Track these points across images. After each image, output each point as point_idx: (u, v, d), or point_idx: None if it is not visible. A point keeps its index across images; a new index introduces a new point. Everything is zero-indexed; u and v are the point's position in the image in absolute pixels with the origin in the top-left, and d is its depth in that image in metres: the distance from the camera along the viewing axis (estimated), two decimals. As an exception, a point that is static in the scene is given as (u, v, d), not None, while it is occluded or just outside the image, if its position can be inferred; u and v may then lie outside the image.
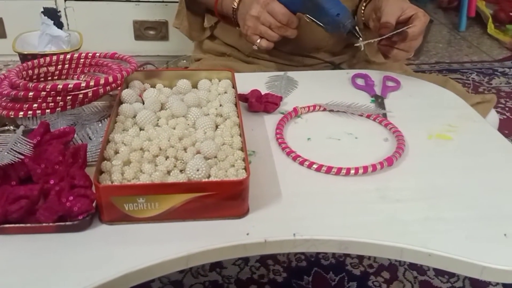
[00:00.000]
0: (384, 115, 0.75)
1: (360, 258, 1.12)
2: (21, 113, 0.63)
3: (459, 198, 0.58)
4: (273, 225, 0.53)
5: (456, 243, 0.51)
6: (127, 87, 0.70)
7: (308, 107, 0.75)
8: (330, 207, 0.56)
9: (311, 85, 0.84)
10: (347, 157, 0.64)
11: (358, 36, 0.76)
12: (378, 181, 0.61)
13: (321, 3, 0.76)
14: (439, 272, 1.10)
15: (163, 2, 1.85)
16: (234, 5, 0.86)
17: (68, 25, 1.81)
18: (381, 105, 0.78)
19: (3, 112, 0.63)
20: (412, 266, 1.11)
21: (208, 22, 0.99)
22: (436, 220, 0.55)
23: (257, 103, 0.74)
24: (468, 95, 0.91)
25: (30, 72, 0.74)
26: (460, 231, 0.53)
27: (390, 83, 0.86)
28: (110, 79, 0.66)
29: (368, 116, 0.74)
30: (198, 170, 0.53)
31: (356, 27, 0.76)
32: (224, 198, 0.51)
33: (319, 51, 0.97)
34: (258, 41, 0.81)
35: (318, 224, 0.53)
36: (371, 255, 0.53)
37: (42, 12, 1.38)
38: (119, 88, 0.69)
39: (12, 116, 0.63)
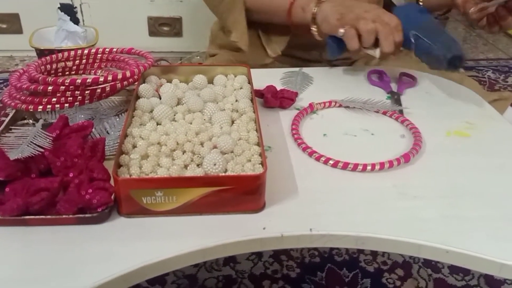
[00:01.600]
0: (401, 112, 0.74)
1: (374, 255, 1.12)
2: (40, 107, 0.64)
3: (477, 195, 0.58)
4: (290, 220, 0.53)
5: (474, 241, 0.51)
6: (144, 82, 0.71)
7: (324, 103, 0.75)
8: (347, 203, 0.56)
9: (326, 81, 0.84)
10: (363, 153, 0.64)
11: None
12: (395, 178, 0.60)
13: (434, 51, 0.72)
14: (454, 270, 1.09)
15: (177, -2, 1.86)
16: (314, 10, 0.80)
17: (83, 21, 1.82)
18: (398, 101, 0.78)
19: (23, 106, 0.64)
20: (427, 264, 1.10)
21: (272, 51, 0.93)
22: (454, 218, 0.54)
23: (273, 99, 0.74)
24: (485, 92, 0.90)
25: (48, 66, 0.75)
26: (478, 229, 0.53)
27: (406, 80, 0.85)
28: (128, 74, 0.67)
29: (384, 113, 0.74)
30: (215, 164, 0.53)
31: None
32: (241, 193, 0.51)
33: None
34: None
35: (334, 219, 0.53)
36: (388, 251, 0.53)
37: (58, 8, 1.39)
38: (136, 83, 0.69)
39: (31, 110, 0.64)
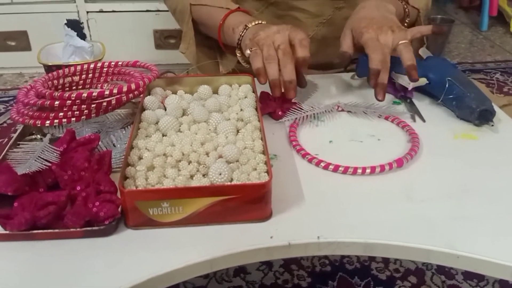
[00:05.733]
0: (413, 117, 0.74)
1: (386, 262, 1.11)
2: (48, 122, 0.64)
3: (486, 197, 0.57)
4: (297, 228, 0.52)
5: (485, 244, 0.50)
6: (149, 94, 0.71)
7: (326, 107, 0.75)
8: (354, 209, 0.55)
9: (331, 88, 0.84)
10: (370, 159, 0.63)
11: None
12: (402, 182, 0.60)
13: (467, 101, 0.71)
14: (468, 276, 1.07)
15: (182, 11, 1.88)
16: (249, 25, 0.77)
17: (90, 36, 1.85)
18: (413, 106, 0.77)
19: (30, 121, 0.65)
20: (440, 270, 1.09)
21: (224, 68, 0.91)
22: (464, 220, 0.54)
23: (280, 113, 0.73)
24: (494, 97, 0.90)
25: (55, 82, 0.75)
26: (488, 232, 0.52)
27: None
28: (133, 86, 0.67)
29: (386, 118, 0.74)
30: (220, 174, 0.53)
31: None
32: (247, 202, 0.51)
33: (340, 66, 0.96)
34: (250, 52, 0.71)
35: (342, 226, 0.53)
36: (397, 257, 0.52)
37: (65, 24, 1.41)
38: (141, 95, 0.70)
39: (39, 125, 0.65)
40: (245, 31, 0.77)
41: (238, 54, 0.80)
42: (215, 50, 0.93)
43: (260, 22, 0.77)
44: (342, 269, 1.09)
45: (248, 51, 0.72)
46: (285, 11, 0.89)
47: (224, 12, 0.82)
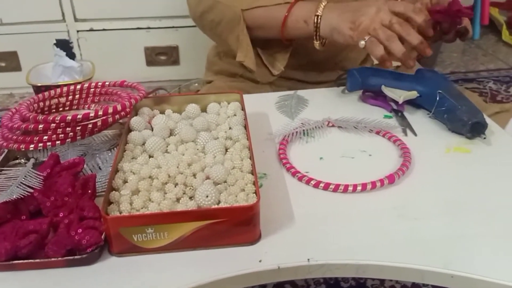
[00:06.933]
0: (404, 131, 0.73)
1: (382, 279, 1.09)
2: (32, 146, 0.63)
3: (481, 213, 0.56)
4: (287, 250, 0.51)
5: (480, 262, 0.49)
6: (136, 115, 0.70)
7: (316, 123, 0.74)
8: (345, 229, 0.54)
9: (322, 103, 0.83)
10: (362, 175, 0.62)
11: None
12: (395, 199, 0.58)
13: (459, 114, 0.70)
14: (466, 290, 1.06)
15: (173, 27, 1.88)
16: (319, 12, 0.77)
17: (81, 55, 1.84)
18: (404, 120, 0.76)
19: (14, 146, 0.64)
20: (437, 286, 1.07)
21: (276, 69, 0.90)
22: (459, 238, 0.52)
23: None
24: (486, 105, 0.89)
25: (41, 104, 0.74)
26: (484, 249, 0.51)
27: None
28: (119, 107, 0.66)
29: (377, 132, 0.73)
30: (207, 196, 0.52)
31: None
32: (234, 224, 0.50)
33: (335, 67, 0.96)
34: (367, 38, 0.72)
35: (333, 247, 0.51)
36: (391, 278, 0.51)
37: (54, 44, 1.41)
38: (128, 116, 0.69)
39: (23, 149, 0.63)
40: (319, 20, 0.78)
41: (316, 44, 0.81)
42: (258, 55, 0.93)
43: (324, 4, 0.78)
44: (337, 287, 1.07)
45: (362, 42, 0.73)
46: None
47: (285, 7, 0.81)
